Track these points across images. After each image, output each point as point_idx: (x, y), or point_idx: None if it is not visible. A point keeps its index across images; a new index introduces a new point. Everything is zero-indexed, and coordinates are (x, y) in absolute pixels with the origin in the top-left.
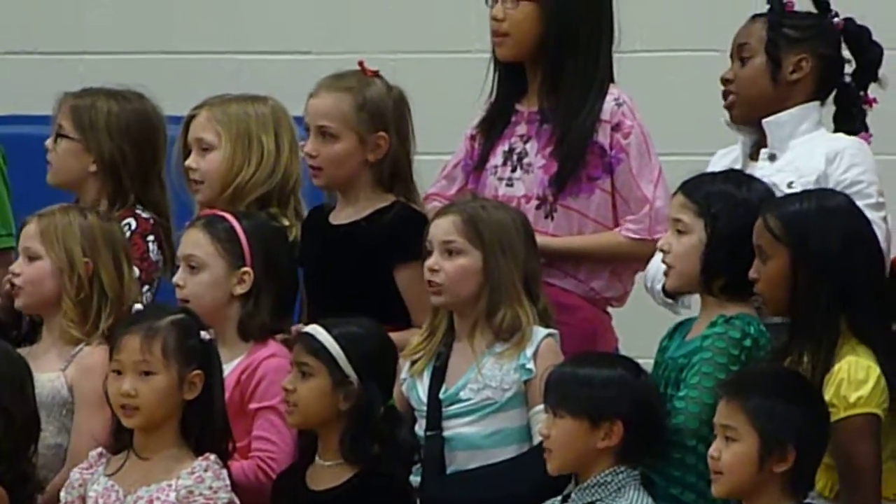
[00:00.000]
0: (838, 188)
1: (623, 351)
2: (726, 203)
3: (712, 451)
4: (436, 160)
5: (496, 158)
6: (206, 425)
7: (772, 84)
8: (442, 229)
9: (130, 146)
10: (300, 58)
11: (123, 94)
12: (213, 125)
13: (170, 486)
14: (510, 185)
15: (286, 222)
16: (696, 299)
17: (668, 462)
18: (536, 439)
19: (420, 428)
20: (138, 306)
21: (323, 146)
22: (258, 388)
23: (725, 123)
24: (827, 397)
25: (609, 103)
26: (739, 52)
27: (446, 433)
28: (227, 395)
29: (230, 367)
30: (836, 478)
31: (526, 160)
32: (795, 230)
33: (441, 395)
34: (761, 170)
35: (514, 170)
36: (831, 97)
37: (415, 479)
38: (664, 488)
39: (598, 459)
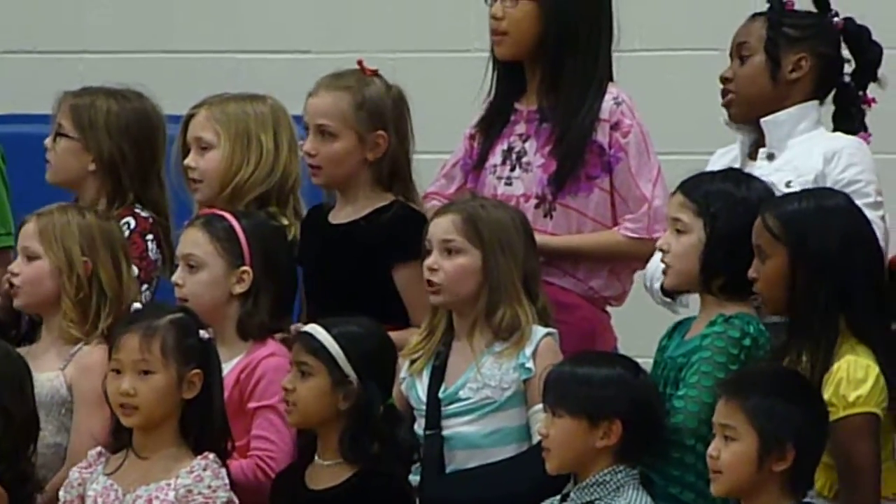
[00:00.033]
0: (836, 187)
1: (622, 350)
2: (725, 202)
3: (711, 450)
4: (435, 159)
5: (495, 157)
6: (205, 424)
7: (771, 83)
8: (441, 228)
9: (130, 145)
10: (299, 57)
11: (123, 93)
12: (212, 124)
13: (169, 485)
14: (509, 183)
15: (285, 221)
16: (694, 298)
17: (667, 461)
18: (536, 438)
19: (419, 427)
20: (137, 305)
21: (322, 145)
22: (257, 388)
23: (724, 122)
24: (826, 396)
25: (608, 102)
26: (739, 51)
27: (445, 432)
28: (226, 394)
29: (229, 367)
30: (835, 477)
31: (525, 159)
32: (794, 229)
33: (440, 395)
34: (760, 169)
35: (513, 169)
36: (830, 96)
37: (414, 479)
38: (663, 487)
39: (597, 459)
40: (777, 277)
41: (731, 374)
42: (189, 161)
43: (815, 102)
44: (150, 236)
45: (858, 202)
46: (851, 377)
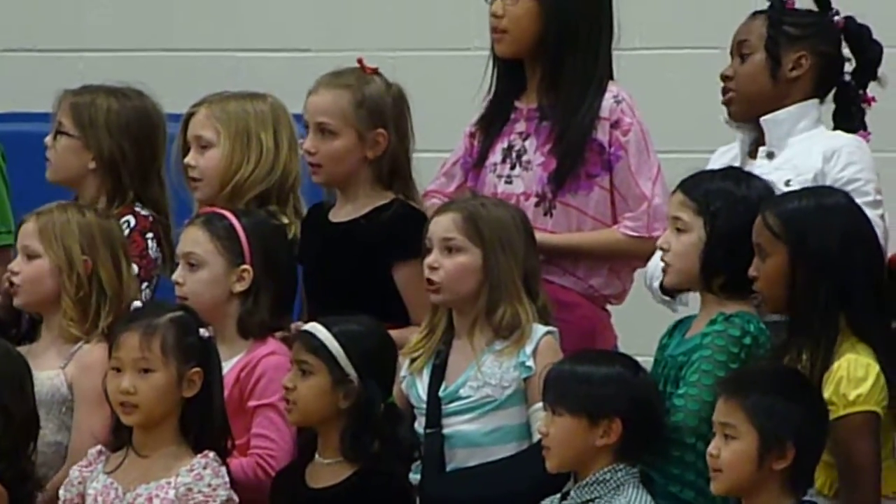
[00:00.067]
0: (836, 186)
1: (622, 348)
2: (726, 201)
3: (711, 448)
4: (435, 157)
5: (495, 156)
6: (205, 423)
7: (771, 81)
8: (442, 227)
9: (130, 144)
10: (299, 55)
11: (123, 91)
12: (212, 123)
13: (169, 483)
14: (509, 182)
15: (285, 220)
16: (694, 297)
17: (667, 460)
18: (536, 437)
19: (419, 425)
20: (137, 304)
21: (322, 143)
22: (257, 386)
23: (724, 121)
24: (826, 395)
25: (608, 100)
26: (739, 49)
27: (446, 431)
28: (226, 392)
29: (229, 365)
30: (835, 475)
31: (525, 157)
32: (794, 228)
33: (441, 393)
34: (759, 168)
35: (513, 167)
36: (831, 95)
37: (414, 477)
38: (663, 486)
39: (597, 457)
40: (777, 276)
41: (730, 372)
42: (189, 159)
43: (816, 101)
44: (150, 235)
45: (858, 201)
46: (852, 376)
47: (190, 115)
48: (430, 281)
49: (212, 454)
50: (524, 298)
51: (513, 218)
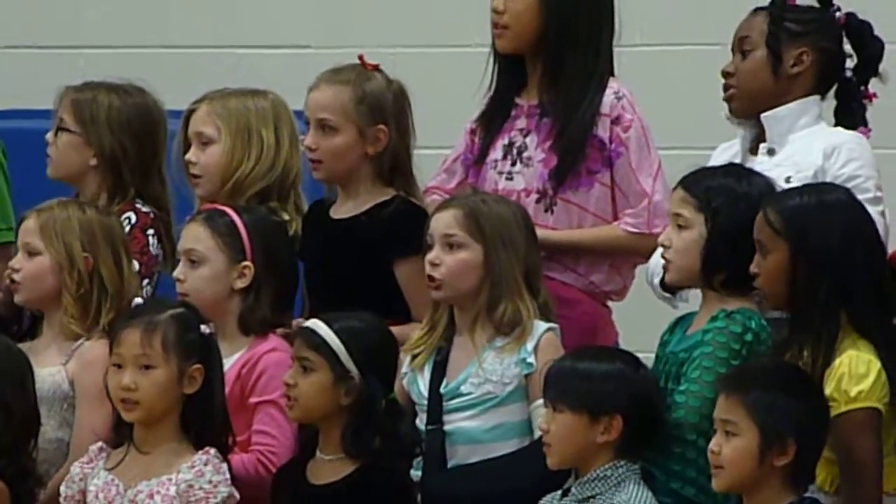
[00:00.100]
0: (836, 183)
1: (623, 345)
2: (727, 197)
3: (712, 445)
4: (436, 154)
5: (496, 152)
6: (206, 419)
7: (772, 77)
8: (443, 223)
9: (131, 140)
10: (300, 52)
11: (125, 88)
12: (212, 119)
13: (170, 480)
14: (510, 178)
15: (286, 216)
16: (695, 294)
17: (668, 456)
18: (537, 433)
19: (421, 422)
20: (138, 300)
21: (323, 139)
22: (259, 382)
23: (725, 117)
24: (828, 391)
25: (609, 97)
26: (741, 46)
27: (447, 427)
28: (227, 389)
29: (231, 362)
30: (836, 472)
31: (525, 154)
32: (795, 224)
33: (442, 390)
34: (760, 164)
35: (513, 164)
36: (832, 92)
37: (416, 473)
38: (664, 482)
39: (598, 454)
40: (778, 272)
41: (731, 369)
42: (190, 156)
43: (816, 97)
44: (150, 231)
45: (858, 197)
46: (853, 372)
47: (191, 112)
48: (431, 277)
49: (213, 451)
50: (525, 295)
51: (514, 214)
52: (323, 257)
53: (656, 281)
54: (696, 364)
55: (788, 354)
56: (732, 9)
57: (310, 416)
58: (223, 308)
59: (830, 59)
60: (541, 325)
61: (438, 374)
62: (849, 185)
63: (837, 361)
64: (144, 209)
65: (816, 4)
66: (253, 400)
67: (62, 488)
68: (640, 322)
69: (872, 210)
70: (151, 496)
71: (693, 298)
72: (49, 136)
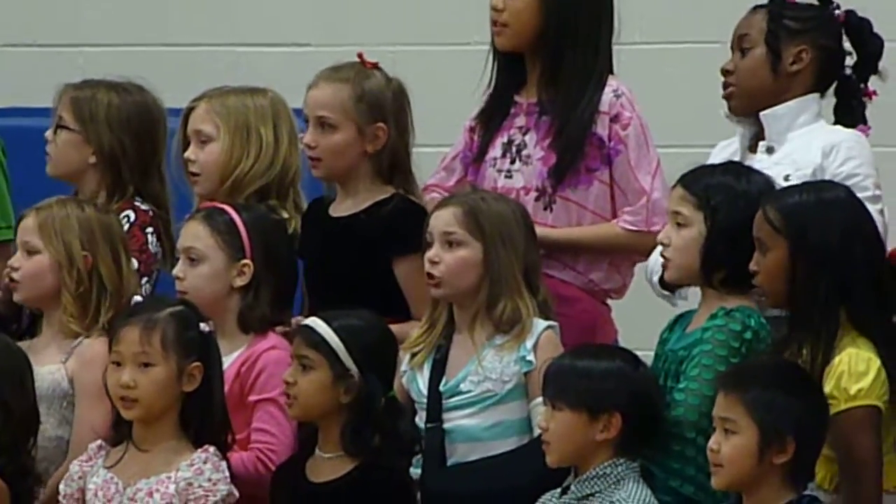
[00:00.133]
0: (835, 181)
1: (623, 343)
2: (726, 195)
3: (712, 443)
4: (435, 152)
5: (495, 150)
6: (205, 417)
7: (772, 75)
8: (443, 221)
9: (130, 138)
10: (299, 50)
11: (124, 86)
12: (211, 117)
13: (169, 478)
14: (509, 176)
15: (286, 214)
16: (694, 291)
17: (667, 454)
18: (537, 431)
19: (420, 420)
20: (137, 298)
21: (322, 137)
22: (258, 381)
23: (724, 115)
24: (827, 389)
25: (608, 95)
26: (740, 44)
27: (446, 425)
28: (226, 387)
29: (230, 360)
30: (835, 470)
31: (525, 152)
32: (795, 222)
33: (441, 388)
34: (759, 162)
35: (513, 161)
36: (832, 89)
37: (415, 471)
38: (663, 480)
39: (597, 452)
40: (778, 270)
41: (730, 367)
42: (189, 154)
43: (816, 95)
44: (149, 229)
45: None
46: (853, 370)
47: (190, 110)
48: (430, 275)
49: (212, 449)
50: (525, 293)
51: (513, 212)
52: (322, 255)
53: (655, 279)
54: (695, 362)
55: (788, 352)
56: (732, 7)
57: (309, 415)
58: (222, 306)
59: (830, 56)
60: (540, 323)
61: (438, 372)
62: (847, 184)
63: (837, 359)
64: (143, 207)
65: (816, 2)
66: (252, 398)
67: (61, 486)
68: (640, 320)
69: (871, 208)
70: (151, 494)
71: (692, 296)
72: (48, 133)
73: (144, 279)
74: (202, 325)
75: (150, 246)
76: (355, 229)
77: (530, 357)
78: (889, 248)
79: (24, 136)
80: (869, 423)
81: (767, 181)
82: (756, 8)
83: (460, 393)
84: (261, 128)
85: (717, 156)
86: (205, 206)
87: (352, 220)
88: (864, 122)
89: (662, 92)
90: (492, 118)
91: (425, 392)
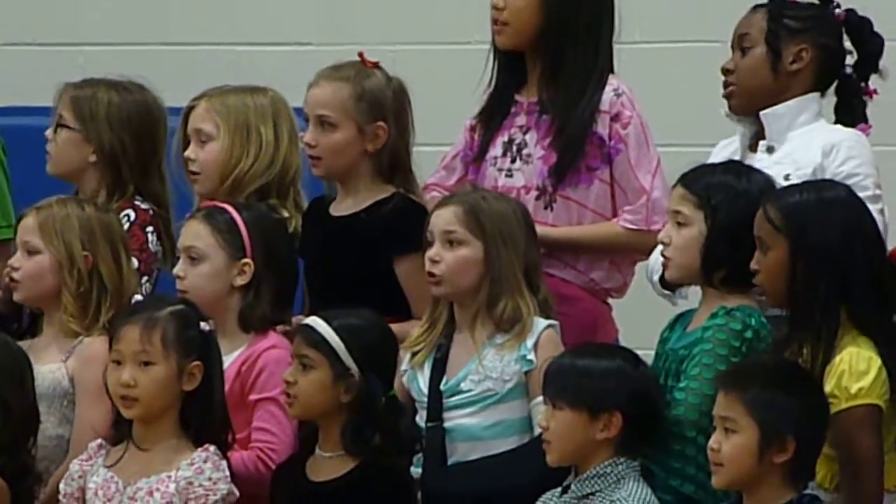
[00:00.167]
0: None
1: (623, 342)
2: (726, 195)
3: (712, 443)
4: (435, 151)
5: (496, 149)
6: (205, 416)
7: (772, 74)
8: (443, 220)
9: (131, 137)
10: (300, 49)
11: (124, 84)
12: (211, 116)
13: (169, 477)
14: (510, 175)
15: (286, 214)
16: (694, 291)
17: (667, 453)
18: (537, 430)
19: (421, 419)
20: (138, 297)
21: (322, 136)
22: (258, 380)
23: (725, 114)
24: (828, 388)
25: (608, 94)
26: (740, 43)
27: (447, 424)
28: (227, 386)
29: (231, 359)
30: (836, 469)
31: (525, 151)
32: (795, 221)
33: (442, 387)
34: (759, 162)
35: (513, 160)
36: (832, 88)
37: (416, 471)
38: (664, 479)
39: (598, 451)
40: (778, 269)
41: (730, 366)
42: (189, 153)
43: (816, 95)
44: (150, 228)
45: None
46: (854, 369)
47: (190, 109)
48: (431, 274)
49: (212, 448)
50: (525, 292)
51: (514, 211)
52: (323, 254)
53: (656, 278)
54: (695, 361)
55: (788, 351)
56: (732, 6)
57: (309, 414)
58: (223, 305)
59: (830, 55)
60: (541, 322)
61: (438, 371)
62: (848, 183)
63: (838, 358)
64: (143, 206)
65: (816, 1)
66: (253, 397)
67: (61, 486)
68: (640, 319)
69: (872, 208)
70: (151, 493)
71: (693, 295)
72: (48, 132)
73: (145, 278)
74: (202, 325)
75: (150, 245)
76: (356, 228)
77: (531, 356)
78: (889, 247)
79: (24, 135)
80: (870, 421)
81: (768, 180)
82: (756, 7)
83: (461, 392)
84: (261, 127)
85: (718, 155)
86: (205, 205)
87: (352, 220)
88: (865, 120)
89: (663, 91)
90: (492, 117)
91: (426, 391)
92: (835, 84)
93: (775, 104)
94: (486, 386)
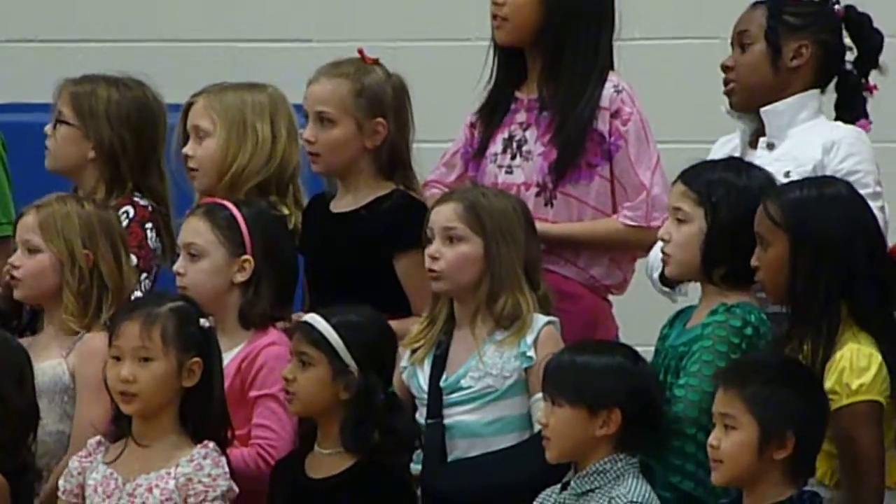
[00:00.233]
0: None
1: (623, 339)
2: (727, 191)
3: (712, 439)
4: (435, 148)
5: (496, 146)
6: (204, 413)
7: (772, 71)
8: (443, 216)
9: (130, 134)
10: (300, 46)
11: (124, 81)
12: (208, 113)
13: (169, 473)
14: (510, 172)
15: (286, 210)
16: (694, 287)
17: (667, 450)
18: (537, 427)
19: (421, 416)
20: (137, 294)
21: (321, 132)
22: (258, 376)
23: (725, 111)
24: (829, 384)
25: (608, 90)
26: (740, 39)
27: (447, 421)
28: (227, 383)
29: (231, 355)
30: (836, 465)
31: (525, 147)
32: (795, 217)
33: (442, 384)
34: (759, 158)
35: (513, 157)
36: (832, 85)
37: (416, 467)
38: (663, 476)
39: (597, 447)
40: (779, 265)
41: (729, 362)
42: (187, 149)
43: (816, 91)
44: (149, 225)
45: None
46: (854, 365)
47: (189, 105)
48: (431, 270)
49: (212, 444)
50: (525, 288)
51: (514, 208)
52: (323, 251)
53: (656, 275)
54: (695, 358)
55: (789, 348)
56: (731, 3)
57: (309, 411)
58: (223, 302)
59: (830, 51)
60: (540, 319)
61: (438, 367)
62: (848, 180)
63: (839, 354)
64: (142, 203)
65: None
66: (253, 394)
67: (60, 482)
68: (640, 316)
69: (872, 205)
70: (150, 490)
71: (692, 292)
72: (48, 128)
73: (144, 275)
74: (202, 321)
75: (149, 242)
76: (356, 225)
77: (531, 353)
78: (890, 244)
79: (23, 132)
80: (871, 418)
81: (768, 177)
82: (756, 4)
83: (461, 389)
84: (257, 123)
85: (718, 151)
86: (205, 201)
87: (352, 216)
88: (866, 116)
89: (663, 88)
90: (492, 114)
91: (426, 388)
92: (835, 80)
93: (775, 101)
94: (486, 382)
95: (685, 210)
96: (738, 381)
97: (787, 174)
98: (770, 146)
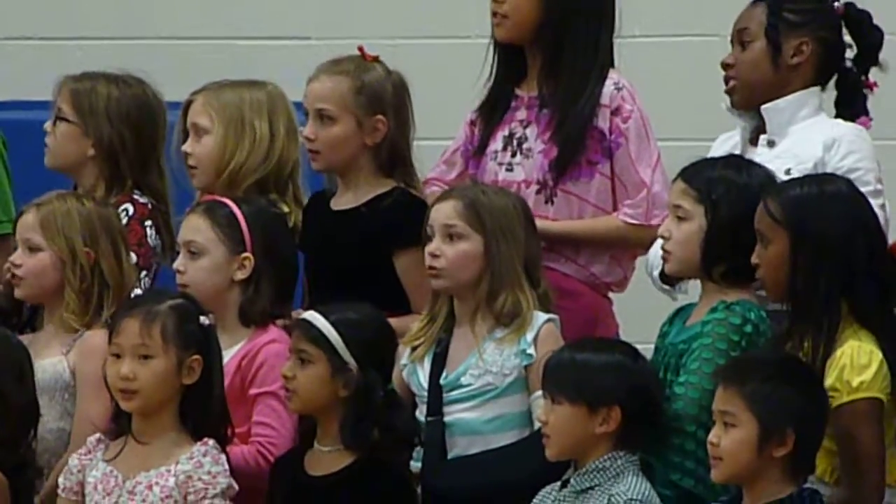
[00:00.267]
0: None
1: (624, 336)
2: (727, 189)
3: (711, 437)
4: (436, 145)
5: (496, 143)
6: (204, 410)
7: (772, 68)
8: (443, 214)
9: (130, 131)
10: (300, 43)
11: (124, 78)
12: (207, 110)
13: (168, 471)
14: (510, 169)
15: (286, 208)
16: (694, 285)
17: (667, 448)
18: (537, 425)
19: (421, 413)
20: (137, 291)
21: (321, 129)
22: (258, 374)
23: (726, 109)
24: (829, 382)
25: (609, 88)
26: (740, 37)
27: (447, 419)
28: (227, 380)
29: (231, 353)
30: (836, 462)
31: (526, 145)
32: (795, 214)
33: (442, 381)
34: (760, 156)
35: (513, 155)
36: (832, 82)
37: (416, 465)
38: (663, 474)
39: (597, 445)
40: (779, 262)
41: (729, 360)
42: (186, 147)
43: (816, 89)
44: (148, 222)
45: None
46: (855, 362)
47: (189, 103)
48: (431, 268)
49: (211, 442)
50: (525, 286)
51: (514, 205)
52: (323, 249)
53: (656, 273)
54: (695, 355)
55: (789, 345)
56: (732, 0)
57: (308, 408)
58: (223, 299)
59: (830, 49)
60: (540, 316)
61: (438, 365)
62: (849, 178)
63: (839, 352)
64: (142, 200)
65: None
66: (253, 391)
67: (60, 480)
68: (640, 313)
69: (873, 203)
70: (150, 487)
71: (692, 290)
72: (47, 125)
73: (144, 273)
74: (202, 319)
75: (148, 239)
76: (356, 223)
77: (531, 350)
78: (891, 241)
79: (23, 130)
80: (872, 415)
81: (768, 174)
82: (756, 1)
83: (461, 386)
84: (255, 121)
85: (719, 149)
86: (205, 199)
87: (352, 214)
88: (866, 113)
89: (663, 85)
90: (493, 111)
91: (426, 385)
92: (835, 78)
93: (776, 98)
94: (486, 380)
95: (685, 208)
96: (737, 379)
97: (787, 171)
98: (771, 143)
